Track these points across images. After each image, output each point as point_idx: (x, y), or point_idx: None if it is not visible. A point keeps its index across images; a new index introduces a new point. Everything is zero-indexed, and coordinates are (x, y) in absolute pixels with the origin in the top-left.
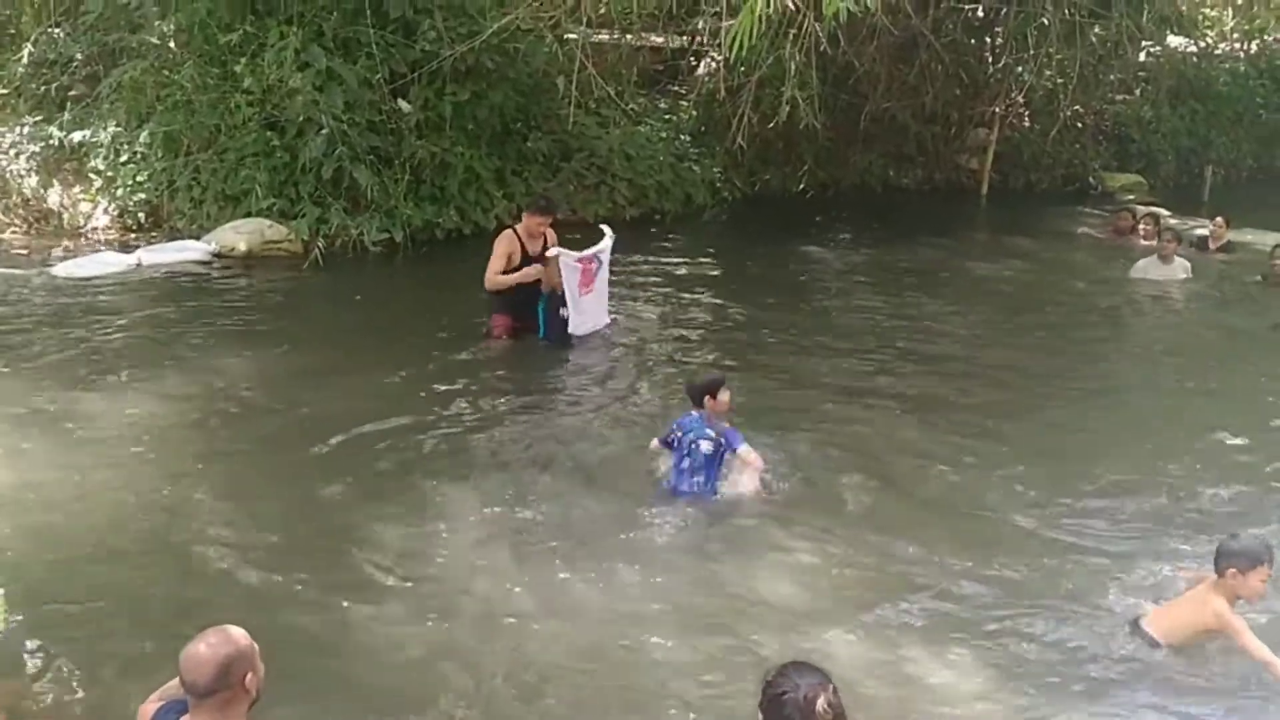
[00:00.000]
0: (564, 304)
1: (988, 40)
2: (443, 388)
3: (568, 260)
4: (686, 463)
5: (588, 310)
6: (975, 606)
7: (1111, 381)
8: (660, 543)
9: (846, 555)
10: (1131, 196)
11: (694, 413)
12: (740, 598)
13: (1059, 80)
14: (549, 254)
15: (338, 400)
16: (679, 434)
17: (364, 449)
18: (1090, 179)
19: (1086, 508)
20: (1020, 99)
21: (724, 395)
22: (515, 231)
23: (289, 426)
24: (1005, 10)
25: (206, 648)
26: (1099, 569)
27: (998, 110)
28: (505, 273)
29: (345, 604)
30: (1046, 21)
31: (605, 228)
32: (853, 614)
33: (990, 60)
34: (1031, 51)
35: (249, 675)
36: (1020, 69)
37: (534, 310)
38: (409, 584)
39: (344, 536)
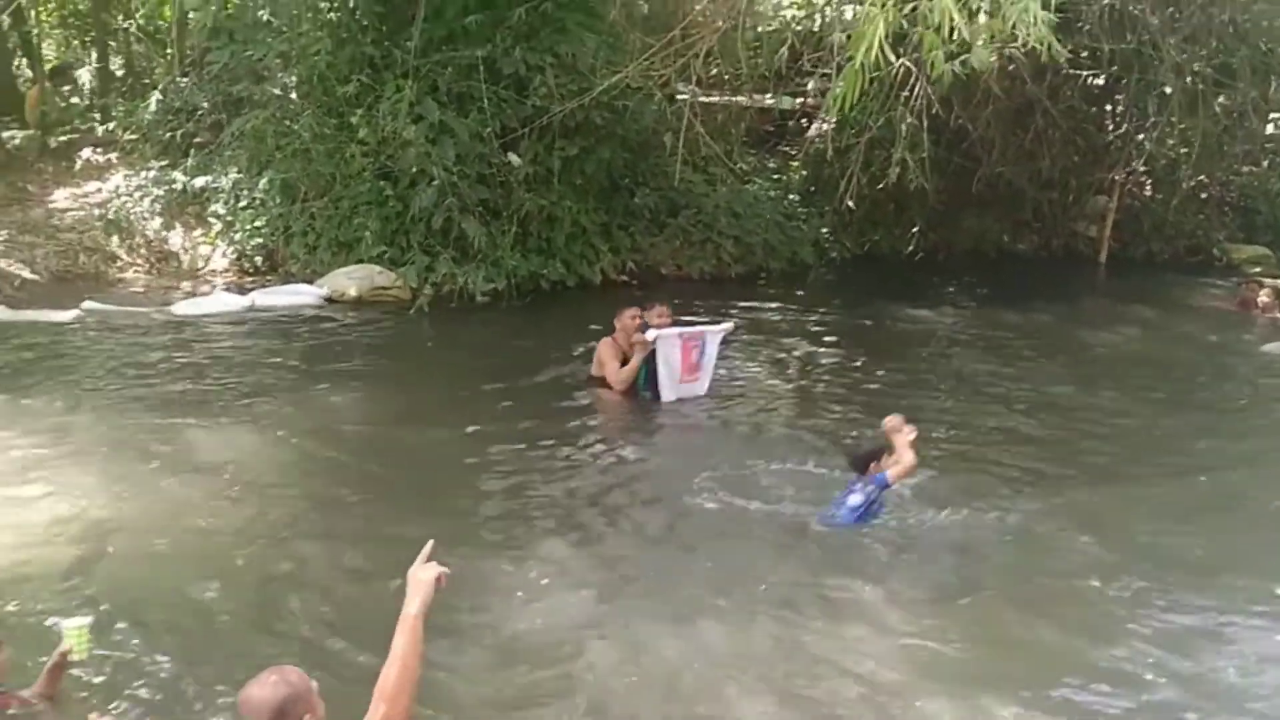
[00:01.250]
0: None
1: (1108, 108)
2: (545, 435)
3: (667, 335)
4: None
5: (684, 389)
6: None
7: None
8: (757, 599)
9: (965, 631)
10: (1258, 269)
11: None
12: (830, 663)
13: (1182, 150)
14: (647, 336)
15: (436, 443)
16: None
17: (459, 492)
18: (1214, 250)
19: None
20: (1141, 167)
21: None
22: (614, 340)
23: (386, 466)
24: (1125, 78)
25: (262, 689)
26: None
27: (1117, 178)
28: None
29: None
30: (1168, 90)
31: (728, 324)
32: (958, 696)
33: (1110, 127)
34: (1152, 120)
35: (306, 716)
36: (1141, 137)
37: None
38: (493, 628)
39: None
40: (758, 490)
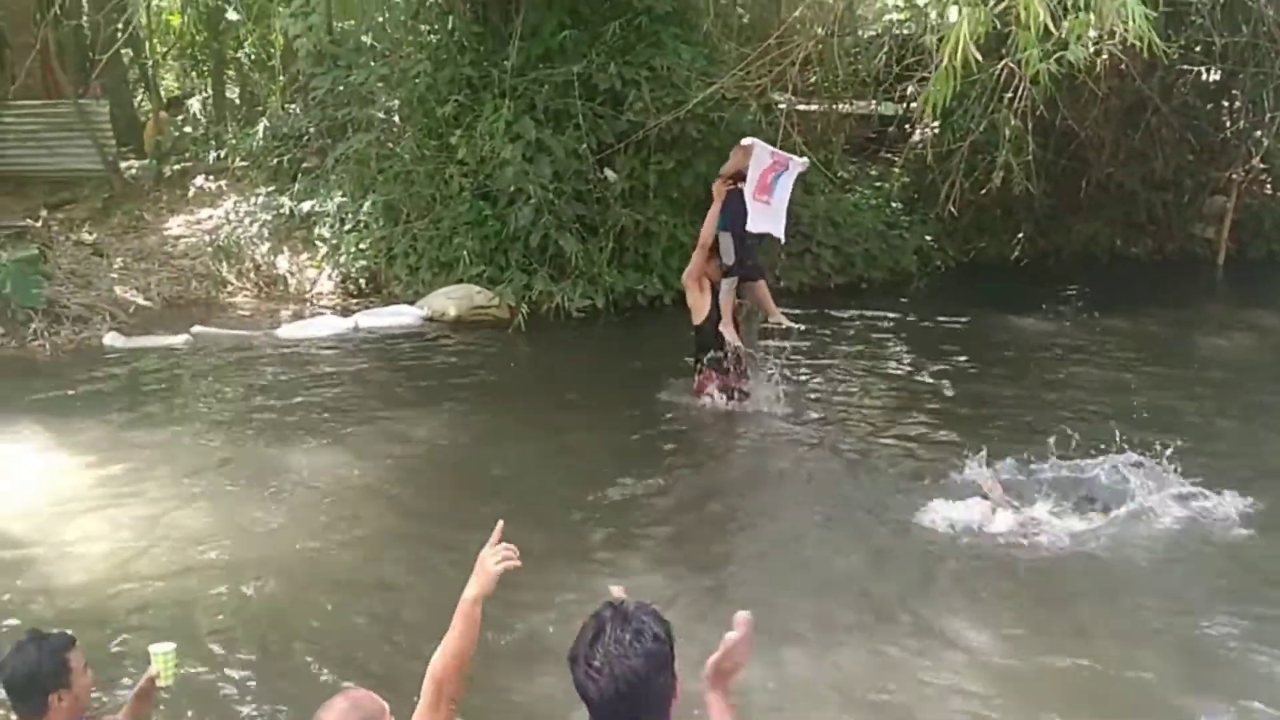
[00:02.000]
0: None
1: (1224, 104)
2: (639, 451)
3: (762, 149)
4: None
5: (757, 213)
6: None
7: None
8: (845, 618)
9: (1062, 660)
10: None
11: None
12: (916, 685)
13: None
14: (744, 143)
15: (529, 459)
16: None
17: (550, 507)
18: None
19: None
20: (1260, 164)
21: None
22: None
23: (479, 483)
24: (1240, 73)
25: (335, 715)
26: None
27: (1235, 176)
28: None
29: (506, 673)
30: None
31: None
32: None
33: (1226, 124)
34: (1270, 114)
35: None
36: (1259, 133)
37: (744, 371)
38: (562, 638)
39: (516, 597)
40: (855, 506)
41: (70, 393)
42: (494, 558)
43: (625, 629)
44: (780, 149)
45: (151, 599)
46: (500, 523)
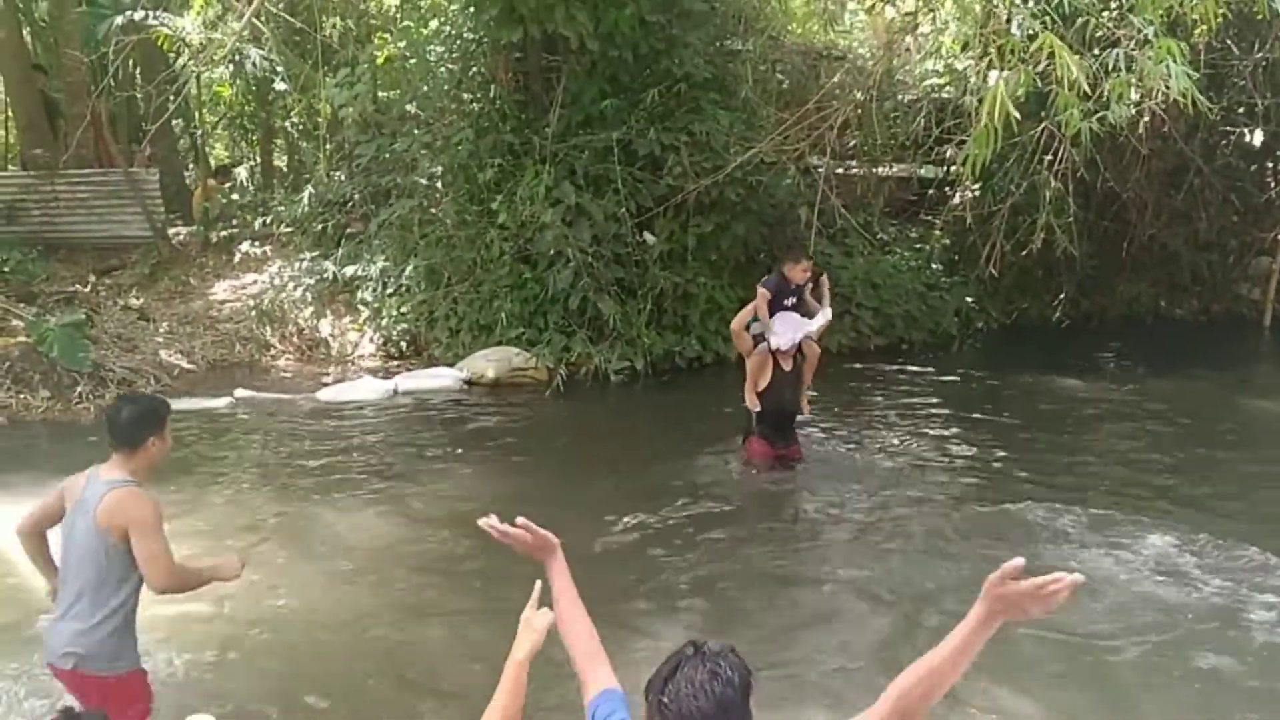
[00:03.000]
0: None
1: (1268, 164)
2: (676, 515)
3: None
4: None
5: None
6: None
7: None
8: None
9: None
10: None
11: None
12: None
13: None
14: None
15: (566, 523)
16: None
17: (584, 571)
18: None
19: None
20: None
21: None
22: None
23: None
24: None
25: None
26: None
27: None
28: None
29: None
30: None
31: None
32: None
33: (1271, 184)
34: None
35: None
36: None
37: (792, 432)
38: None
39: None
40: (893, 579)
41: None
42: (540, 618)
43: (701, 668)
44: (818, 213)
45: (184, 659)
46: (539, 584)
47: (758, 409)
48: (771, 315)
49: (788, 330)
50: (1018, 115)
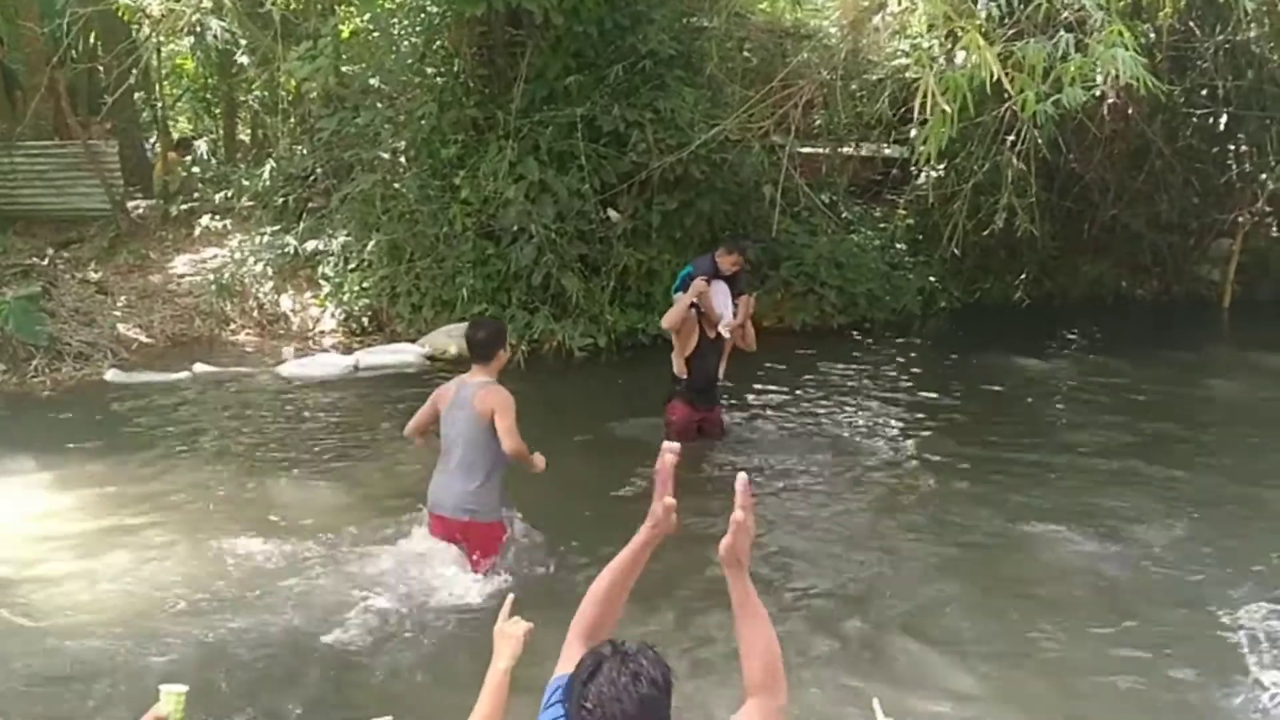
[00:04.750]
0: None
1: (1229, 147)
2: (640, 493)
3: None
4: None
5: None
6: None
7: None
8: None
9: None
10: None
11: None
12: None
13: None
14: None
15: (530, 499)
16: None
17: (545, 551)
18: None
19: None
20: (1265, 207)
21: None
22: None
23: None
24: (1245, 116)
25: None
26: None
27: (1241, 219)
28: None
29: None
30: None
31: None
32: None
33: (1232, 167)
34: (1274, 158)
35: None
36: (1264, 176)
37: (714, 397)
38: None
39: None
40: (843, 566)
41: (67, 428)
42: (515, 626)
43: (623, 670)
44: (783, 191)
45: (147, 637)
46: (511, 597)
47: (685, 375)
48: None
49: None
50: (946, 108)
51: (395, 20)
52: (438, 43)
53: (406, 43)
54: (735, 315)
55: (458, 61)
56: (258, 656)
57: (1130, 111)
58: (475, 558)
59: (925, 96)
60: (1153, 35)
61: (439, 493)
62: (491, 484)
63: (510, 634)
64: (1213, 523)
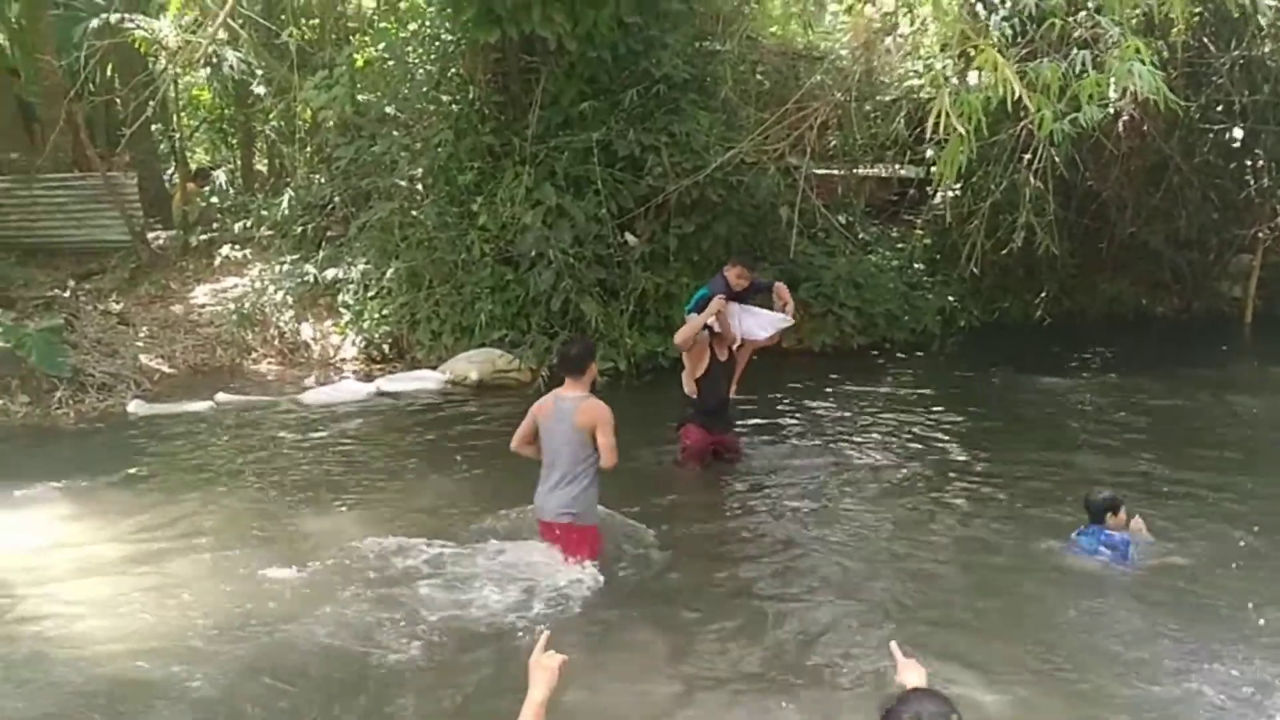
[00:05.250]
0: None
1: (1247, 162)
2: (657, 516)
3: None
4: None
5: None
6: None
7: None
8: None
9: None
10: None
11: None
12: None
13: None
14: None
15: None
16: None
17: (558, 583)
18: None
19: None
20: None
21: (1123, 514)
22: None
23: (494, 552)
24: (1262, 131)
25: None
26: None
27: (1261, 234)
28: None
29: None
30: None
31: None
32: None
33: (1250, 182)
34: None
35: None
36: None
37: (728, 420)
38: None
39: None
40: (864, 587)
41: (91, 459)
42: (550, 658)
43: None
44: (800, 213)
45: (168, 665)
46: (546, 632)
47: (695, 396)
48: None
49: (760, 323)
50: (962, 129)
51: (410, 49)
52: (452, 70)
53: (422, 71)
54: (778, 306)
55: (473, 88)
56: (290, 680)
57: (1146, 128)
58: (574, 558)
59: (941, 117)
60: (1166, 52)
61: (543, 499)
62: (591, 491)
63: (546, 665)
64: (1240, 538)
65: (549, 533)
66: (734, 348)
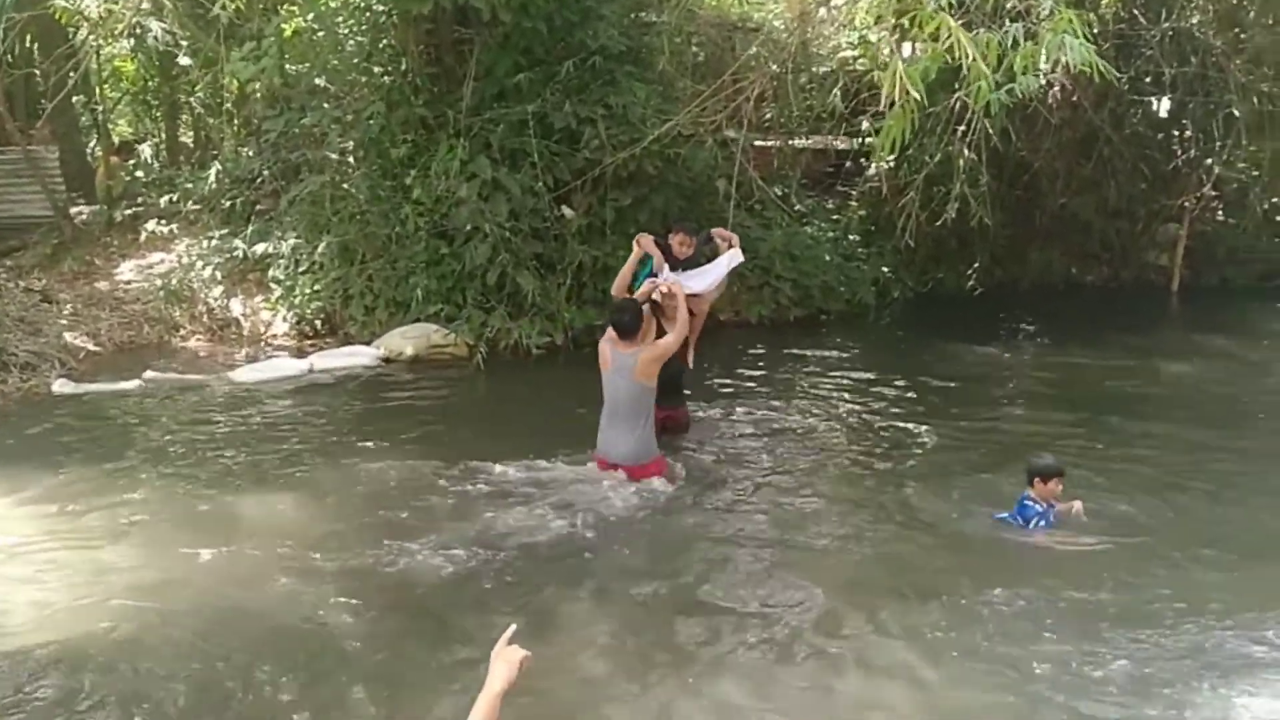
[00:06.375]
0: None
1: (1174, 133)
2: (594, 489)
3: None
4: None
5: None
6: None
7: None
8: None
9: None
10: None
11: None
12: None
13: (1253, 172)
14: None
15: (485, 500)
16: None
17: (501, 551)
18: None
19: None
20: (1211, 192)
21: (1054, 484)
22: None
23: (435, 525)
24: (1190, 102)
25: None
26: None
27: (1187, 204)
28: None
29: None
30: (1235, 112)
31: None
32: None
33: (1178, 153)
34: (1220, 143)
35: None
36: (1209, 161)
37: (680, 395)
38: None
39: (455, 634)
40: (791, 550)
41: (15, 441)
42: (513, 652)
43: None
44: (737, 185)
45: (91, 647)
46: (513, 626)
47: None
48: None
49: (714, 275)
50: (917, 95)
51: (340, 19)
52: (384, 41)
53: (352, 42)
54: (723, 249)
55: (405, 60)
56: (226, 656)
57: (1077, 99)
58: (643, 480)
59: (891, 85)
60: (1097, 24)
61: (607, 444)
62: (648, 431)
63: (508, 659)
64: (1164, 501)
65: (610, 469)
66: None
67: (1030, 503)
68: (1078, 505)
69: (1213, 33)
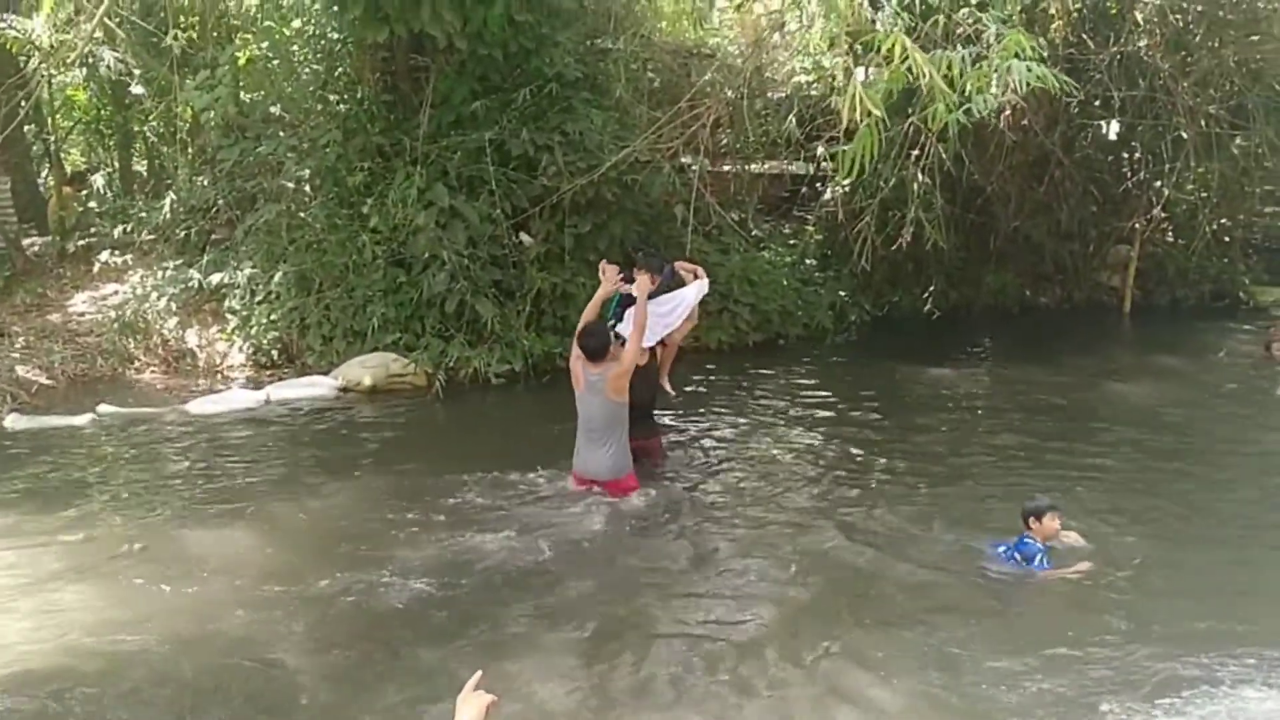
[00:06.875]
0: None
1: (1124, 155)
2: (555, 520)
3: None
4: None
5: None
6: None
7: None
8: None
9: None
10: None
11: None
12: None
13: (1201, 194)
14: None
15: (445, 531)
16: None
17: (461, 584)
18: (1240, 294)
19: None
20: (1161, 213)
21: (1050, 521)
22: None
23: (394, 559)
24: (1139, 125)
25: None
26: None
27: (1138, 225)
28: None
29: None
30: (1184, 135)
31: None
32: None
33: (1128, 175)
34: (1169, 165)
35: None
36: (1159, 183)
37: (653, 424)
38: None
39: (412, 668)
40: (756, 577)
41: None
42: (479, 698)
43: None
44: (694, 211)
45: (46, 686)
46: (479, 673)
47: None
48: (619, 319)
49: (682, 307)
50: (879, 112)
51: (295, 48)
52: (340, 69)
53: (307, 70)
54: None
55: (361, 88)
56: (185, 697)
57: (1028, 123)
58: (621, 496)
59: (851, 108)
60: (1046, 48)
61: (584, 462)
62: (623, 446)
63: (473, 703)
64: (1116, 525)
65: (587, 486)
66: (657, 347)
67: (1030, 540)
68: (1073, 535)
69: (1160, 56)
